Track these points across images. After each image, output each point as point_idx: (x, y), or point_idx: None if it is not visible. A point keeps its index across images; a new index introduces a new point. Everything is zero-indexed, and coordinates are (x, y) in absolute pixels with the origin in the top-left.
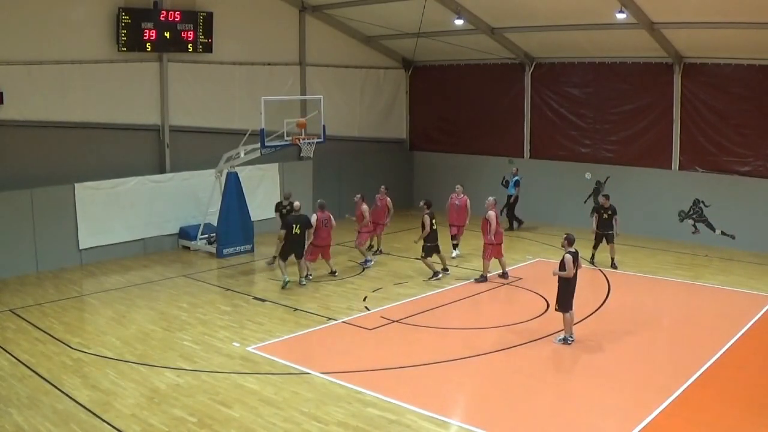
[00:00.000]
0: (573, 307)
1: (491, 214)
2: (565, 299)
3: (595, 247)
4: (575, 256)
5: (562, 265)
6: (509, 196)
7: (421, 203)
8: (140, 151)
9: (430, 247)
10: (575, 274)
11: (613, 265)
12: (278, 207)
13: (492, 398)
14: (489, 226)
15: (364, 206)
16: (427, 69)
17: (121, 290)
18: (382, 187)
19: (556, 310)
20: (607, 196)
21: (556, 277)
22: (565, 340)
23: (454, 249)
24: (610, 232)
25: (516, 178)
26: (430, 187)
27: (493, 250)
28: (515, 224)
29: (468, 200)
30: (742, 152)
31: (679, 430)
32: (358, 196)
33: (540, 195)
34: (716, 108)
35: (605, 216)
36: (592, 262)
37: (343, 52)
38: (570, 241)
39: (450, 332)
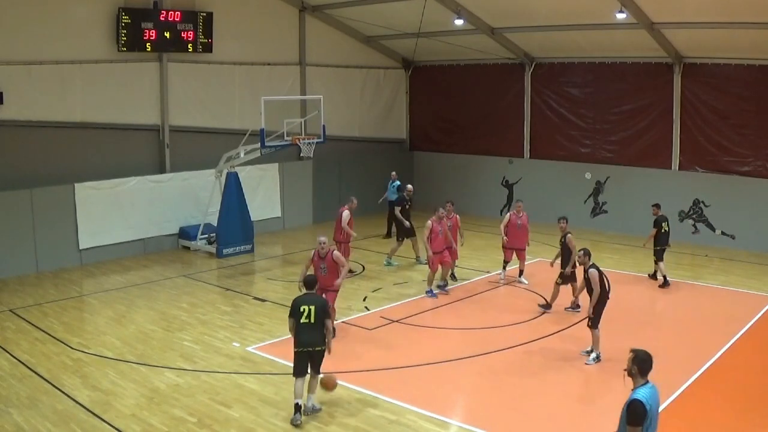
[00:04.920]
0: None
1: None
2: (600, 315)
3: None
4: (599, 270)
5: (589, 285)
6: (390, 203)
7: (581, 253)
8: (140, 151)
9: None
10: (608, 289)
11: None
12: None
13: (492, 398)
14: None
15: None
16: (427, 69)
17: (121, 290)
18: (449, 203)
19: (589, 326)
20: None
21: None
22: (598, 358)
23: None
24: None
25: (397, 182)
26: (431, 188)
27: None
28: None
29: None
30: (742, 152)
31: (679, 430)
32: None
33: (540, 195)
34: (716, 108)
35: (665, 229)
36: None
37: (343, 52)
38: (588, 254)
39: (450, 332)
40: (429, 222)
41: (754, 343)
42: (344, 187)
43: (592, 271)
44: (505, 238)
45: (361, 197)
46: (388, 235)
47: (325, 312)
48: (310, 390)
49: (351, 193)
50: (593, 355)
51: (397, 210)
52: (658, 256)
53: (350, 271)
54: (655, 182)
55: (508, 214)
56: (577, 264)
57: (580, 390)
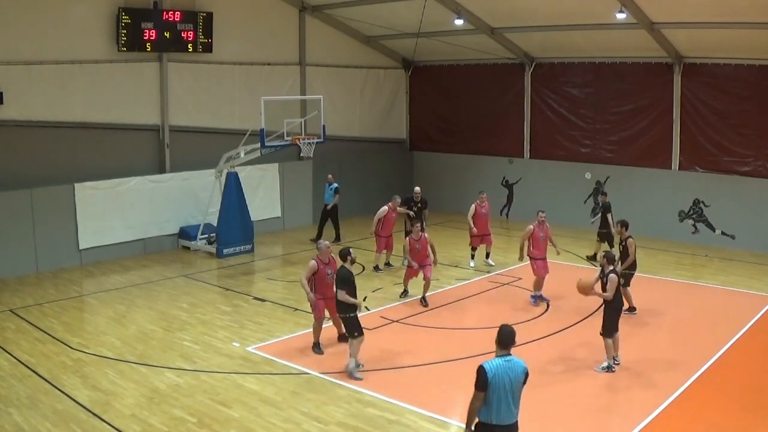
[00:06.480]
0: (618, 330)
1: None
2: (612, 323)
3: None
4: (619, 276)
5: (604, 287)
6: (326, 206)
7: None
8: (140, 151)
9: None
10: (620, 295)
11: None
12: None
13: None
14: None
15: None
16: (427, 69)
17: (121, 290)
18: (417, 225)
19: (601, 335)
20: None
21: (587, 291)
22: (609, 368)
23: (475, 257)
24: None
25: (334, 185)
26: (430, 187)
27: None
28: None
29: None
30: (742, 152)
31: (679, 430)
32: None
33: (540, 195)
34: (716, 108)
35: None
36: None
37: (343, 52)
38: (612, 258)
39: (450, 332)
40: (530, 227)
41: (754, 343)
42: (344, 188)
43: (612, 276)
44: (473, 228)
45: (361, 197)
46: (318, 238)
47: (337, 285)
48: (351, 352)
49: (351, 193)
50: (604, 364)
51: (404, 209)
52: (602, 238)
53: (387, 264)
54: (655, 182)
55: (473, 205)
56: (599, 266)
57: (580, 390)
